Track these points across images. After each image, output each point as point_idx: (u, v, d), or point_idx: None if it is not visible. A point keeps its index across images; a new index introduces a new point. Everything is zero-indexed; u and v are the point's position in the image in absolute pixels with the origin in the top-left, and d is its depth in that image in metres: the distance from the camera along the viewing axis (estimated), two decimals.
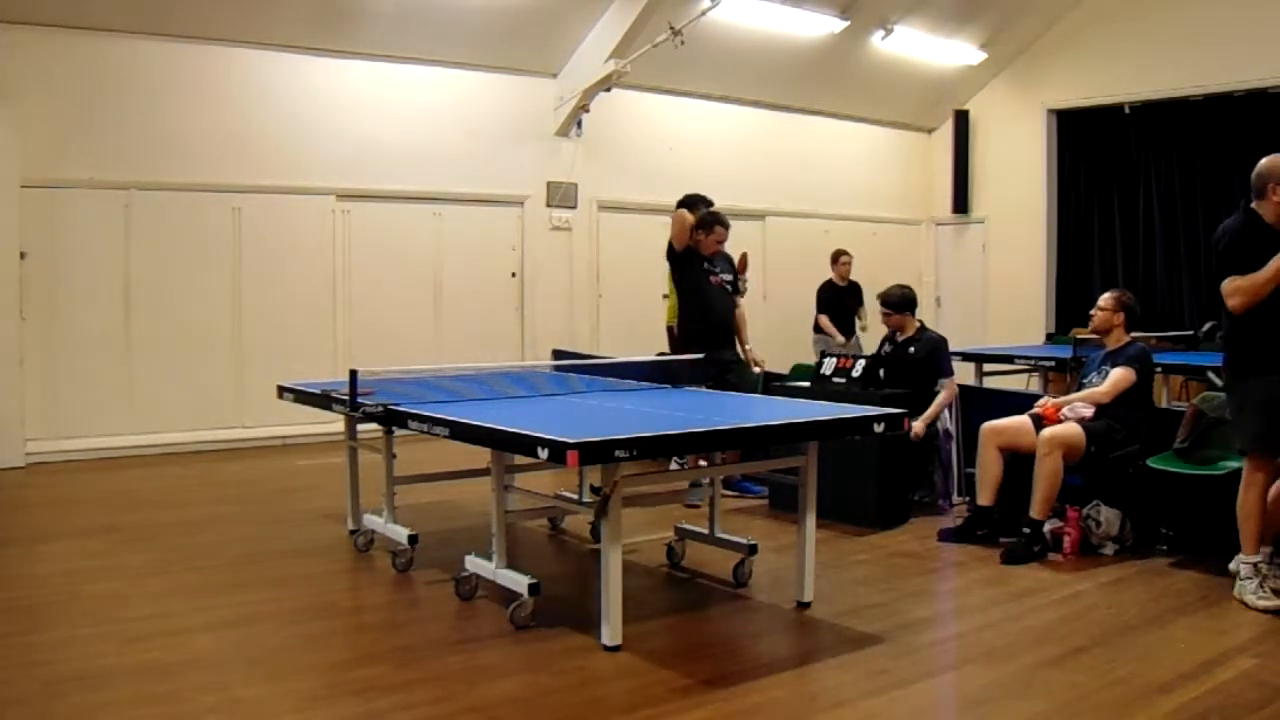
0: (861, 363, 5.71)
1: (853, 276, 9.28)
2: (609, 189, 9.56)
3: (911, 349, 5.80)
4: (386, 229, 8.51)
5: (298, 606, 4.07)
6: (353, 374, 4.44)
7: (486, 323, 8.99)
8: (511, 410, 4.21)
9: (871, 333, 9.07)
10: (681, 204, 6.72)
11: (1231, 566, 4.25)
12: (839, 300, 9.20)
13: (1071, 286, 10.94)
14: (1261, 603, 4.02)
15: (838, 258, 9.25)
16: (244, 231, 7.88)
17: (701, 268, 5.87)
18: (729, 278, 5.95)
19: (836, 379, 5.74)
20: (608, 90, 8.82)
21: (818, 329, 9.21)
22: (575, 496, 5.17)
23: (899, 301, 5.86)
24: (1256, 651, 3.59)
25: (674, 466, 5.99)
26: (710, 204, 6.71)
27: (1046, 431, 4.82)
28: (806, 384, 5.86)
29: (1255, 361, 4.06)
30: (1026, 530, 4.77)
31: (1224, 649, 3.61)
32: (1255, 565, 4.07)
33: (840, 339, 8.94)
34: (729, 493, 5.71)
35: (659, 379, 5.39)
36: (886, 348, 5.98)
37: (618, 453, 3.27)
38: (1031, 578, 4.49)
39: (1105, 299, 5.17)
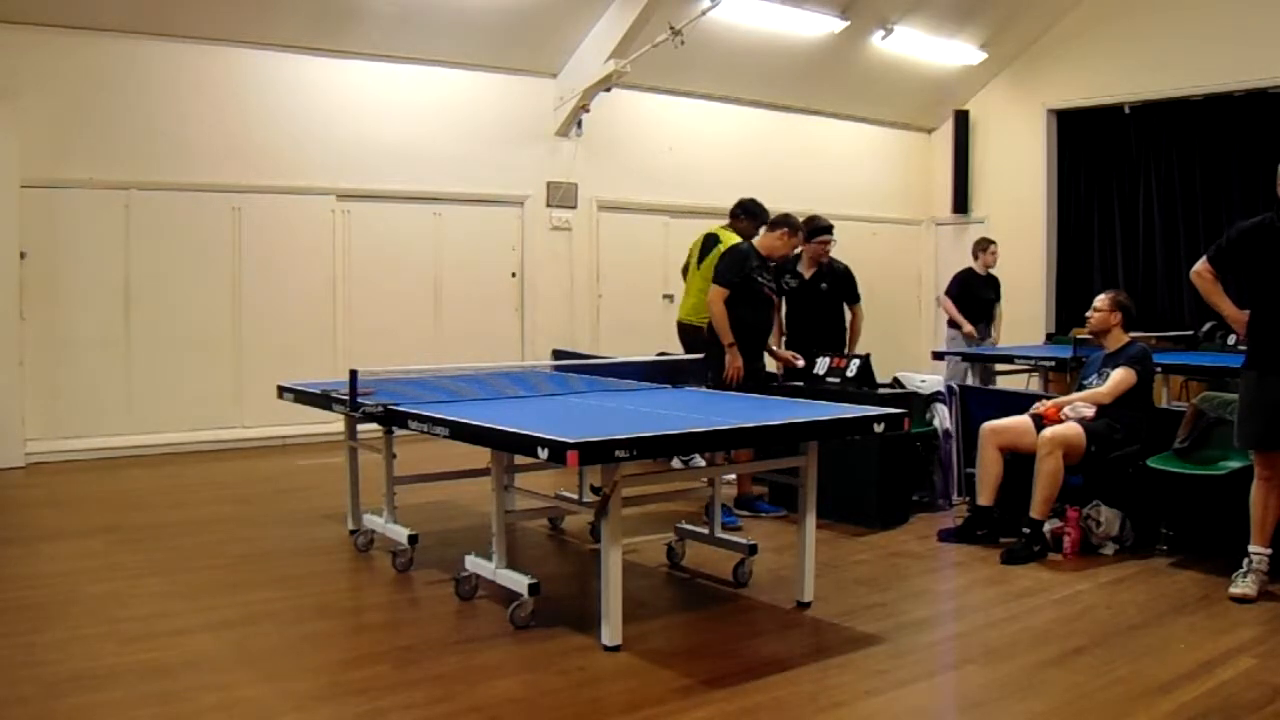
0: (856, 362, 5.72)
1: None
2: (609, 189, 9.56)
3: (823, 284, 6.29)
4: (386, 229, 8.51)
5: (298, 606, 4.07)
6: (353, 374, 4.44)
7: (486, 323, 8.99)
8: (511, 410, 4.21)
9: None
10: (749, 212, 6.21)
11: None
12: (974, 289, 8.61)
13: (1071, 286, 10.93)
14: (1234, 589, 4.13)
15: (986, 246, 8.68)
16: (244, 231, 7.88)
17: (757, 276, 5.61)
18: (774, 286, 5.74)
19: (830, 379, 5.74)
20: (608, 90, 8.81)
21: (951, 324, 8.62)
22: (575, 496, 5.17)
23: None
24: (1256, 651, 3.59)
25: (677, 464, 5.98)
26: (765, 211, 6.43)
27: (1047, 431, 4.82)
28: (801, 384, 5.84)
29: (1246, 357, 4.24)
30: (1026, 530, 4.77)
31: (1224, 649, 3.61)
32: (1250, 555, 4.19)
33: (969, 327, 8.40)
34: (743, 512, 5.62)
35: (659, 379, 5.39)
36: (791, 282, 6.14)
37: (618, 453, 3.27)
38: (1031, 578, 4.49)
39: (1101, 299, 5.18)
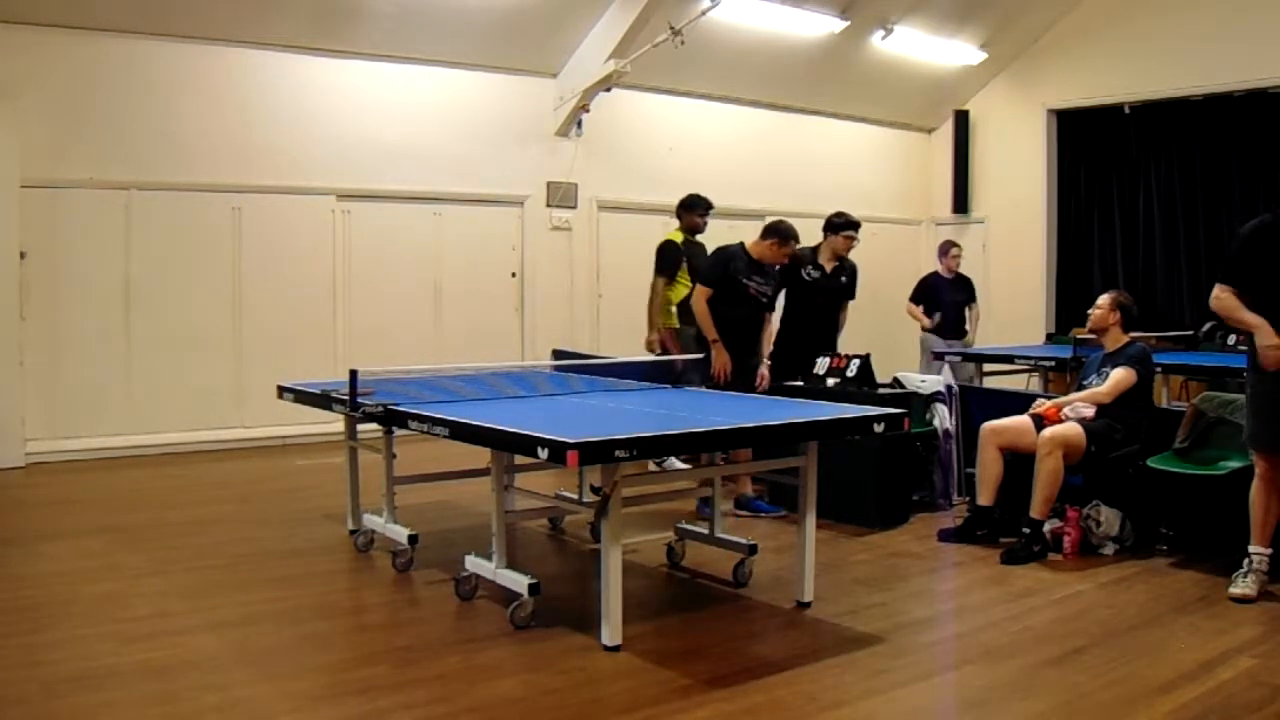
0: (856, 362, 5.72)
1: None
2: (609, 189, 9.56)
3: (843, 277, 6.43)
4: (386, 229, 8.51)
5: (298, 606, 4.07)
6: (353, 374, 4.44)
7: (486, 323, 8.99)
8: (511, 410, 4.21)
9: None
10: (684, 205, 6.74)
11: None
12: (935, 292, 8.72)
13: (1071, 286, 10.93)
14: (1234, 590, 4.14)
15: (948, 250, 8.81)
16: (244, 231, 7.88)
17: (741, 276, 5.69)
18: (768, 290, 5.81)
19: (830, 379, 5.75)
20: (608, 90, 8.81)
21: (925, 327, 8.75)
22: (575, 496, 5.17)
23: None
24: (1256, 651, 3.59)
25: (652, 468, 5.95)
26: (710, 205, 6.74)
27: (1047, 431, 4.82)
28: (800, 383, 5.84)
29: (1251, 359, 4.20)
30: (1026, 530, 4.77)
31: (1224, 649, 3.61)
32: (1250, 555, 4.19)
33: (927, 322, 8.54)
34: (742, 513, 5.61)
35: (659, 379, 5.39)
36: (814, 273, 6.27)
37: (618, 453, 3.27)
38: (1031, 578, 4.50)
39: (1102, 299, 5.20)
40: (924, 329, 8.64)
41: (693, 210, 6.72)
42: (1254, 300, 4.16)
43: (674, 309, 6.58)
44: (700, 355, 5.64)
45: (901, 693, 3.29)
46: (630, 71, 8.47)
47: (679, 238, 6.70)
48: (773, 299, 5.86)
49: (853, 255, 6.63)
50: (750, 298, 5.70)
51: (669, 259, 6.62)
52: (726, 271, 5.65)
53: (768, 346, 5.99)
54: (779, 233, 5.70)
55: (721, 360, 5.54)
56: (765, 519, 5.53)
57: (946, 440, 5.77)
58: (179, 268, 7.65)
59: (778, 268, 5.89)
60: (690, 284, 6.44)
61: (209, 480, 6.73)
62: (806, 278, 6.30)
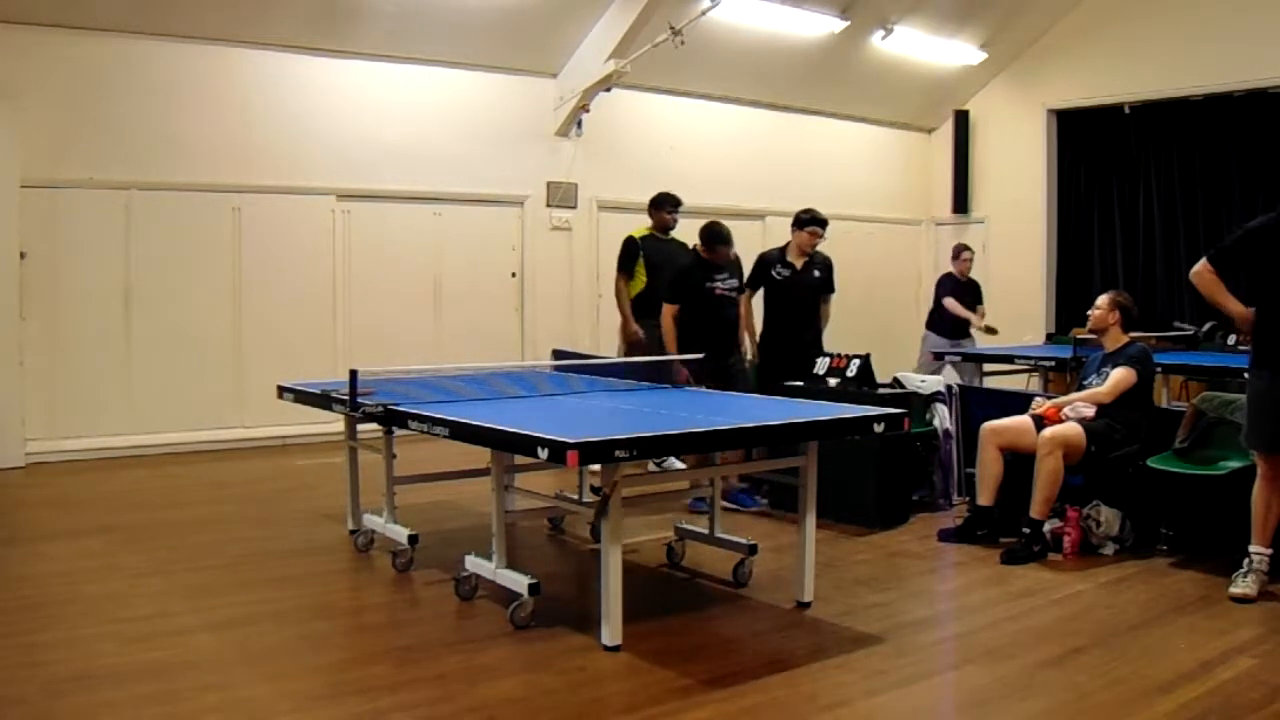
0: (856, 362, 5.72)
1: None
2: (609, 189, 9.55)
3: (816, 272, 6.32)
4: (386, 229, 8.51)
5: (298, 606, 4.07)
6: (353, 374, 4.44)
7: (486, 323, 8.99)
8: (511, 410, 4.21)
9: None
10: (653, 203, 6.80)
11: None
12: (951, 295, 8.83)
13: (1071, 286, 10.93)
14: (1234, 589, 4.14)
15: (959, 254, 8.93)
16: (244, 231, 7.88)
17: (705, 282, 5.83)
18: (734, 283, 5.95)
19: (830, 379, 5.75)
20: (608, 90, 8.82)
21: (929, 325, 8.88)
22: (575, 496, 5.17)
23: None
24: (1256, 651, 3.59)
25: (652, 468, 5.96)
26: (678, 202, 6.78)
27: (1047, 431, 4.82)
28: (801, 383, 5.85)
29: (1251, 357, 4.24)
30: (1026, 530, 4.78)
31: (1224, 649, 3.61)
32: (1250, 555, 4.20)
33: (970, 316, 8.63)
34: (726, 504, 5.64)
35: (659, 379, 5.39)
36: (784, 272, 6.28)
37: (618, 453, 3.27)
38: (1031, 578, 4.50)
39: (1101, 299, 5.22)
40: (976, 325, 8.72)
41: (661, 208, 6.80)
42: (1259, 299, 4.18)
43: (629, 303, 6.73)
44: (702, 355, 5.63)
45: (901, 693, 3.29)
46: (630, 71, 8.47)
47: (640, 234, 6.82)
48: (740, 286, 6.06)
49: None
50: (719, 298, 5.85)
51: (625, 255, 6.77)
52: (690, 284, 5.80)
53: (751, 336, 6.18)
54: (705, 238, 5.84)
55: (683, 376, 5.58)
56: (747, 513, 5.57)
57: (946, 440, 5.77)
58: (179, 268, 7.65)
59: (734, 258, 6.03)
60: (646, 278, 6.65)
61: (209, 480, 6.73)
62: (777, 277, 6.32)
